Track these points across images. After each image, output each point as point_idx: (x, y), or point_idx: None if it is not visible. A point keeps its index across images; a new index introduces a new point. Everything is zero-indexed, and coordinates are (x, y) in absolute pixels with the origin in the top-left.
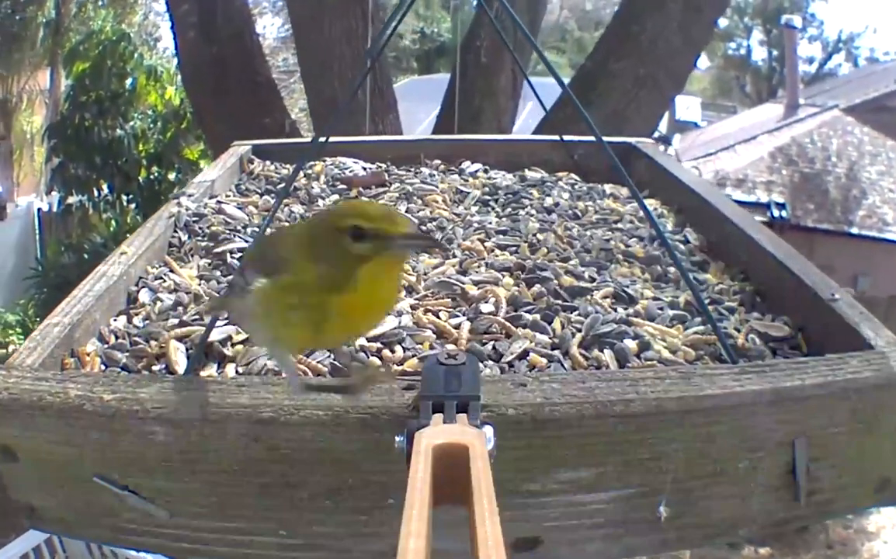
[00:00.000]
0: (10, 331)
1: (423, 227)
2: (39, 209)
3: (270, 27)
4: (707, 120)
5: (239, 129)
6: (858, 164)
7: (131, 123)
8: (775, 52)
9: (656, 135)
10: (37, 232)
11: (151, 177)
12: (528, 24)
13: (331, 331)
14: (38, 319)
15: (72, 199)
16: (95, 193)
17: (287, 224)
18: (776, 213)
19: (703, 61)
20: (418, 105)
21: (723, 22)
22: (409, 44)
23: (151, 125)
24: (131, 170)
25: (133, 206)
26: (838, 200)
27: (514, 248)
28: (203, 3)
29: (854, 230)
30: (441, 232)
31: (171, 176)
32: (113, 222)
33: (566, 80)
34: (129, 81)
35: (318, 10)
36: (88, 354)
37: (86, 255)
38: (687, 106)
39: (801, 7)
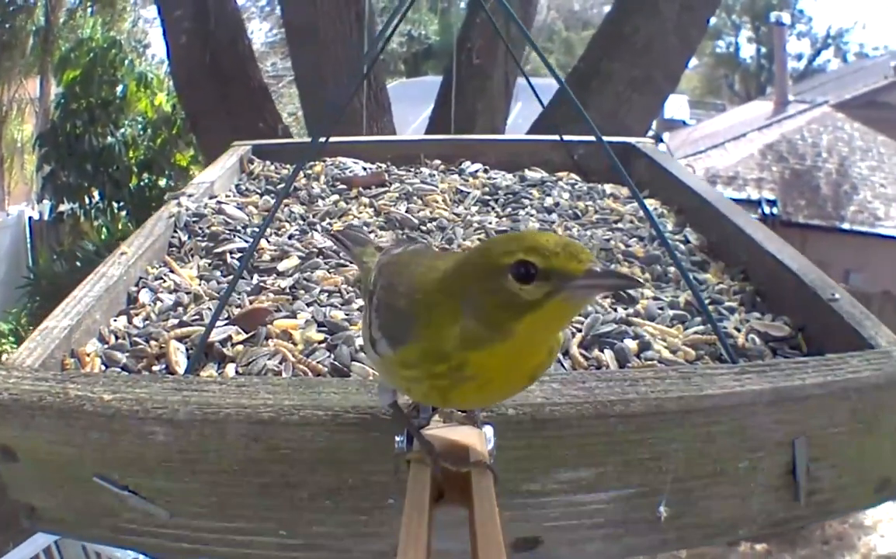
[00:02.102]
0: (3, 340)
1: (610, 263)
2: (31, 218)
3: (258, 32)
4: (695, 118)
5: (233, 133)
6: (849, 160)
7: (122, 130)
8: (764, 50)
9: (650, 134)
10: (28, 240)
11: (142, 183)
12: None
13: (462, 397)
14: (30, 328)
15: (63, 207)
16: (86, 201)
17: (422, 251)
18: (767, 209)
19: (692, 59)
20: (407, 108)
21: (711, 20)
22: (397, 47)
23: (141, 132)
24: (122, 177)
25: (124, 213)
26: (829, 196)
27: None
28: (196, 8)
29: (846, 225)
30: (441, 232)
31: (162, 182)
32: (104, 229)
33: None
34: (119, 88)
35: (312, 15)
36: (88, 355)
37: (78, 263)
38: (674, 104)
39: (789, 4)
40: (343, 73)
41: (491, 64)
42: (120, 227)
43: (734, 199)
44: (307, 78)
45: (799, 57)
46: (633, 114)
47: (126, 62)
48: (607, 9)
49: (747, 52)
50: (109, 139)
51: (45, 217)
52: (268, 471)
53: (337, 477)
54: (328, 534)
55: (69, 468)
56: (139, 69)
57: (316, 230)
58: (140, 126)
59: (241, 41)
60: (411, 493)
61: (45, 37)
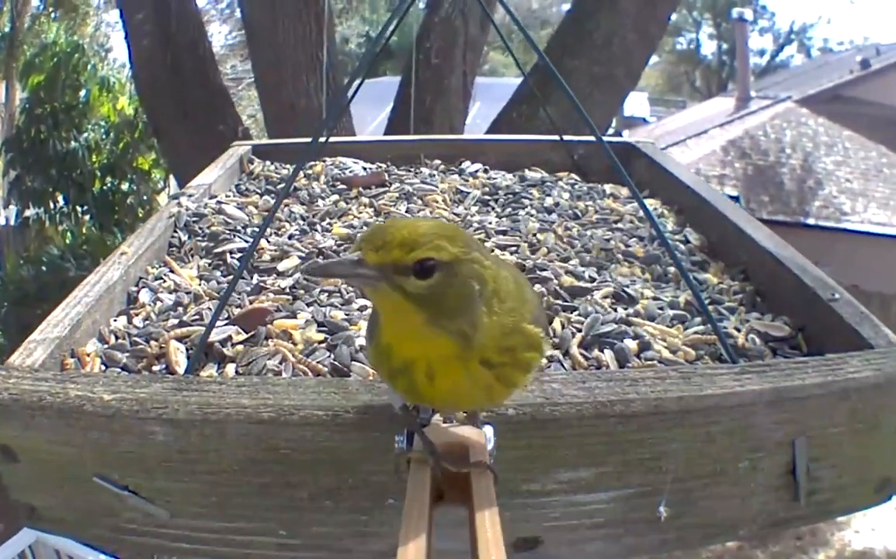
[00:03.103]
0: None
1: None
2: None
3: (218, 35)
4: (655, 115)
5: (195, 136)
6: (814, 155)
7: (85, 135)
8: (725, 46)
9: (610, 132)
10: None
11: (105, 187)
12: (480, 23)
13: (424, 394)
14: None
15: (29, 212)
16: (51, 206)
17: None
18: None
19: (652, 57)
20: (365, 108)
21: (671, 16)
22: (355, 47)
23: (104, 136)
24: (85, 181)
25: (88, 217)
26: (794, 192)
27: (515, 248)
28: (158, 11)
29: (811, 221)
30: None
31: (125, 186)
32: (69, 234)
33: (515, 81)
34: (82, 93)
35: (271, 17)
36: (88, 355)
37: (44, 268)
38: (634, 102)
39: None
40: (302, 74)
41: (449, 64)
42: (84, 231)
43: None
44: (267, 79)
45: (761, 53)
46: (594, 111)
47: (89, 66)
48: (566, 7)
49: (708, 48)
50: (73, 144)
51: (12, 222)
52: (268, 471)
53: (337, 477)
54: (328, 534)
55: (69, 468)
56: (101, 73)
57: (316, 230)
58: (103, 130)
59: (202, 44)
60: (411, 493)
61: (10, 42)
